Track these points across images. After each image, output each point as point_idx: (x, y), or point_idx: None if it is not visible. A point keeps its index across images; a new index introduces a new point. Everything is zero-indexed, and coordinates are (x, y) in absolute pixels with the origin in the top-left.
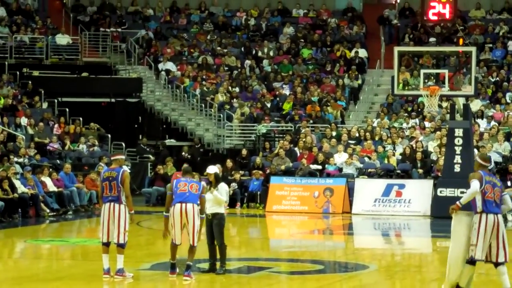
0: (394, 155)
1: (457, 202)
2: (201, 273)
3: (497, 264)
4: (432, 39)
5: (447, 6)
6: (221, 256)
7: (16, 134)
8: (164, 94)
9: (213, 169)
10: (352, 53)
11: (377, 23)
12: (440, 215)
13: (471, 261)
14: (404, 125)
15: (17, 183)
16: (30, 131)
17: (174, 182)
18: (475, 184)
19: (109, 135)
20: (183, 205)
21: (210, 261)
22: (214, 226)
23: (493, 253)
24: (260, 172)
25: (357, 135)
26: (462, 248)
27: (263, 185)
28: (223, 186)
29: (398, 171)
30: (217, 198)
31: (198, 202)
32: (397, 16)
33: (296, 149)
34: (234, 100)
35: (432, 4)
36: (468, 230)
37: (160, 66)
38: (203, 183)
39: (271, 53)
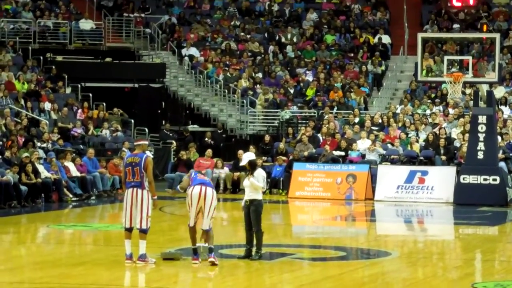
0: (417, 141)
1: None
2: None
3: None
4: (456, 26)
5: None
6: (257, 242)
7: (39, 119)
8: (187, 80)
9: (248, 156)
10: (376, 39)
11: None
12: (463, 202)
13: None
14: (428, 112)
15: (41, 168)
16: (54, 116)
17: (192, 175)
18: None
19: (132, 120)
20: (203, 187)
21: (246, 247)
22: (252, 213)
23: None
24: (283, 158)
25: (380, 121)
26: None
27: (286, 171)
28: (260, 172)
29: (421, 158)
30: (254, 185)
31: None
32: None
33: (319, 135)
34: (257, 86)
35: None
36: None
37: (184, 51)
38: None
39: (295, 39)
